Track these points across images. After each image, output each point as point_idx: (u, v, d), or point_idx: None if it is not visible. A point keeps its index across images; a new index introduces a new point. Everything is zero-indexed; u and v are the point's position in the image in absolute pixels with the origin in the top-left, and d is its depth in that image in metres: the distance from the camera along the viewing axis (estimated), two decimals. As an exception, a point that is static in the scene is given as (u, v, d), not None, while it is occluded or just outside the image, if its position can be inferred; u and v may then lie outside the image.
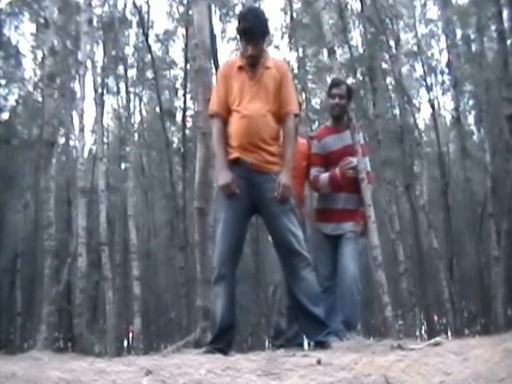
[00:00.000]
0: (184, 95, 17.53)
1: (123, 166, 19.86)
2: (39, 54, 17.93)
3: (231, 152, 3.52)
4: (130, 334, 17.90)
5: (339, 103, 4.47)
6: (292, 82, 3.75)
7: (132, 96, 18.44)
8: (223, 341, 3.27)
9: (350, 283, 4.13)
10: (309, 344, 3.62)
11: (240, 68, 3.58)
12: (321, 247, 4.36)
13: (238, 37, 3.71)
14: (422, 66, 18.73)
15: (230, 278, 3.37)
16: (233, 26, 19.61)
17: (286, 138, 3.54)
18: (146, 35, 16.92)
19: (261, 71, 3.56)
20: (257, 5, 18.19)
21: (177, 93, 20.01)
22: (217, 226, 3.50)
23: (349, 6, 17.05)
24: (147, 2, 18.49)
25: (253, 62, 3.56)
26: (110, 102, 20.17)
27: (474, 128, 21.26)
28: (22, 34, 20.25)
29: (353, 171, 4.35)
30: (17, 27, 17.41)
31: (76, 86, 16.53)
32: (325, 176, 4.31)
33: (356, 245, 4.28)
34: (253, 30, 3.49)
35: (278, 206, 3.42)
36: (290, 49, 18.28)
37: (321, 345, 3.27)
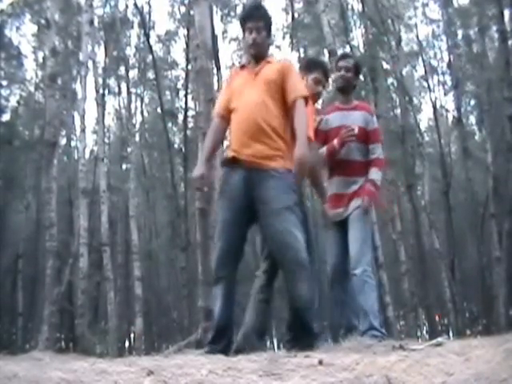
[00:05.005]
0: (185, 96, 17.56)
1: (124, 166, 19.88)
2: (40, 55, 17.98)
3: (229, 151, 3.41)
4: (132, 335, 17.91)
5: (344, 75, 4.25)
6: (299, 76, 3.53)
7: (133, 96, 18.50)
8: (220, 342, 3.18)
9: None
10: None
11: (242, 67, 3.57)
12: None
13: (242, 30, 3.56)
14: (424, 66, 18.74)
15: (228, 280, 3.27)
16: (234, 27, 19.68)
17: (297, 116, 3.25)
18: (148, 36, 16.94)
19: (262, 65, 3.42)
20: (258, 5, 18.26)
21: (178, 93, 20.06)
22: (217, 227, 3.44)
23: (350, 6, 17.07)
24: (148, 3, 18.55)
25: (257, 52, 3.43)
26: (111, 102, 20.17)
27: (475, 128, 21.29)
28: (24, 34, 20.39)
29: (354, 139, 4.08)
30: (18, 28, 17.49)
31: (77, 86, 16.58)
32: (322, 149, 4.09)
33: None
34: (254, 14, 3.47)
35: (275, 205, 3.16)
36: (292, 49, 18.29)
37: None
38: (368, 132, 4.15)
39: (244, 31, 3.50)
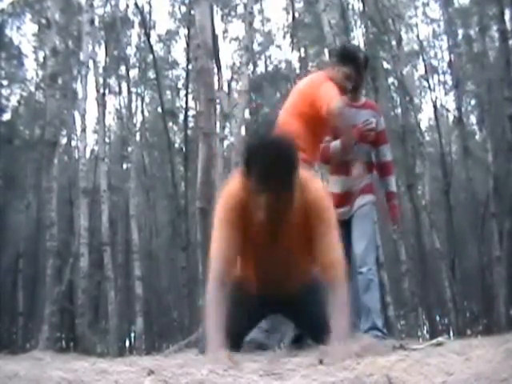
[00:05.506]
0: (186, 95, 17.59)
1: (125, 166, 19.89)
2: (41, 55, 17.99)
3: (246, 279, 2.65)
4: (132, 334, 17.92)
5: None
6: (332, 223, 2.46)
7: (134, 96, 18.51)
8: None
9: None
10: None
11: (254, 216, 2.40)
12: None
13: (254, 181, 2.30)
14: (424, 65, 18.75)
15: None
16: (234, 27, 19.74)
17: (335, 307, 2.35)
18: (148, 35, 16.95)
19: (284, 226, 2.44)
20: (258, 5, 18.26)
21: (179, 93, 20.08)
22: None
23: (350, 6, 17.08)
24: (149, 3, 18.58)
25: (274, 217, 2.37)
26: (111, 102, 20.17)
27: (476, 128, 21.28)
28: (24, 34, 20.34)
29: (373, 133, 3.94)
30: (19, 28, 17.50)
31: (78, 86, 16.59)
32: (336, 142, 3.81)
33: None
34: (274, 175, 2.23)
35: (309, 309, 2.70)
36: (292, 49, 18.30)
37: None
38: (376, 133, 4.05)
39: (255, 183, 2.29)
